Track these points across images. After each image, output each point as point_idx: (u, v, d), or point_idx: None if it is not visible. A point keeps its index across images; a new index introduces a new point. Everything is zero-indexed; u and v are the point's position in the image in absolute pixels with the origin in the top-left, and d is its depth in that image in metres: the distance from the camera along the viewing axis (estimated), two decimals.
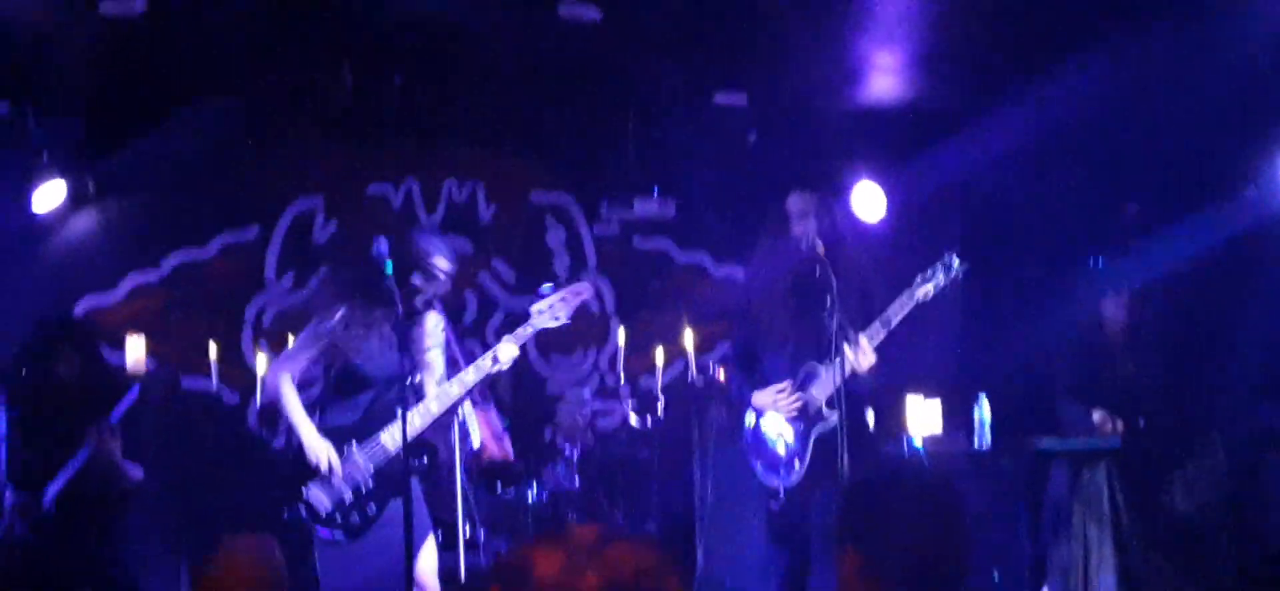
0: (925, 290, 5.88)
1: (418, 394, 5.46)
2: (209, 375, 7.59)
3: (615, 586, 3.09)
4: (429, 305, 5.60)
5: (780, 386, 5.91)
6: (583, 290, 5.65)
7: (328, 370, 5.55)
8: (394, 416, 5.31)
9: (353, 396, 5.48)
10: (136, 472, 6.32)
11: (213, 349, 7.77)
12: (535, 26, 7.41)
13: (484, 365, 5.45)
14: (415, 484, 5.44)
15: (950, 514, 3.09)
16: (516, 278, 8.86)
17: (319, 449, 5.36)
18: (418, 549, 5.38)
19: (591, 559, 3.09)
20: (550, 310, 5.55)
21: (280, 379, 5.49)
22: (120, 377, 7.01)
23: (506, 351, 5.47)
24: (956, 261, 5.88)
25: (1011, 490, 6.97)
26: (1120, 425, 6.61)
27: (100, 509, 6.11)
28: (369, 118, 8.39)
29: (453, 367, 5.67)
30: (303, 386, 5.56)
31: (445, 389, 5.46)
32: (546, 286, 5.63)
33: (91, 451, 6.11)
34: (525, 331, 5.54)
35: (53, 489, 6.07)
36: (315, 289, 8.40)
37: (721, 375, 7.44)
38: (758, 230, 6.48)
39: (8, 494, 6.13)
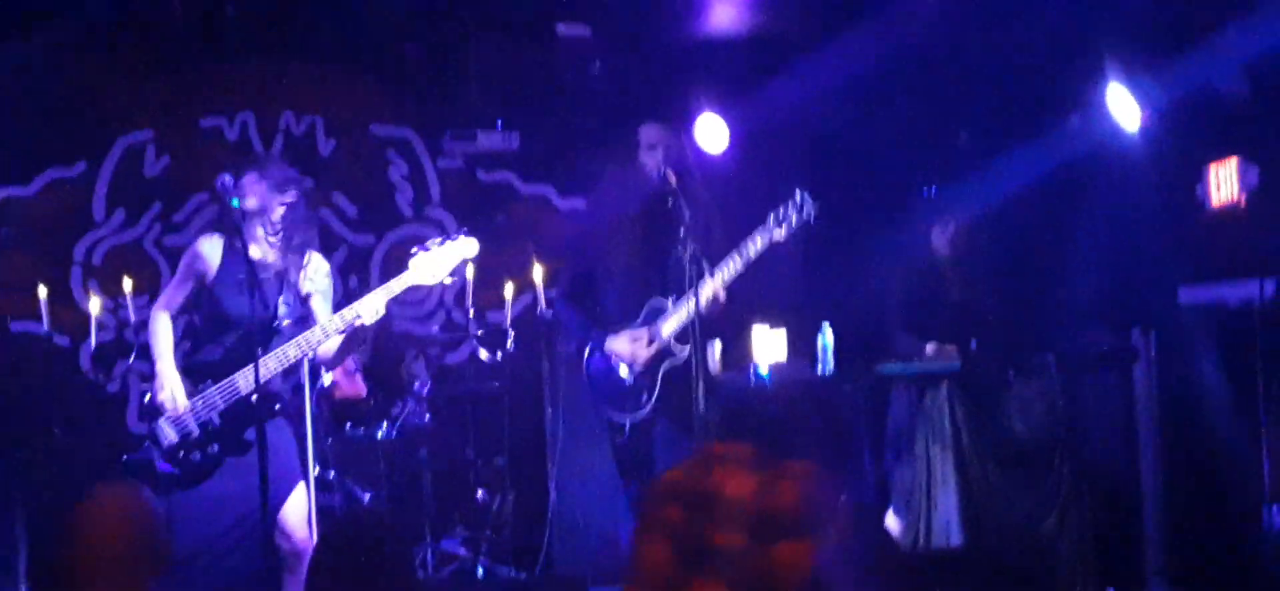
0: (779, 232, 5.98)
1: (277, 337, 5.37)
2: (39, 318, 7.30)
3: (809, 502, 3.06)
4: (304, 247, 5.49)
5: (636, 334, 5.95)
6: (469, 248, 5.56)
7: (198, 306, 5.46)
8: (251, 359, 5.21)
9: (218, 335, 5.38)
10: None
11: (42, 290, 7.46)
12: None
13: (347, 316, 5.37)
14: (284, 429, 5.38)
15: (804, 440, 3.15)
16: (358, 212, 8.70)
17: (166, 382, 5.31)
18: (286, 495, 5.32)
19: (780, 479, 3.05)
20: (428, 264, 5.44)
21: (154, 314, 5.45)
22: None
23: (372, 305, 5.38)
24: (809, 200, 5.99)
25: (854, 414, 7.16)
26: (954, 352, 6.84)
27: None
28: (202, 48, 8.12)
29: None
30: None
31: (305, 336, 5.37)
32: (434, 242, 5.52)
33: None
34: (398, 284, 5.45)
35: None
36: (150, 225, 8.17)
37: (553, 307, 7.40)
38: (601, 162, 6.49)
39: None
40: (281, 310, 5.43)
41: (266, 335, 5.27)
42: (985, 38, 7.55)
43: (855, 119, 8.25)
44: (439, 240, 5.56)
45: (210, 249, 5.45)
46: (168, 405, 5.31)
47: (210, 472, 5.37)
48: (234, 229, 5.23)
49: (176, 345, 5.58)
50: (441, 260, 5.50)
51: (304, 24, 8.18)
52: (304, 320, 5.52)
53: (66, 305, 7.92)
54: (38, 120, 8.08)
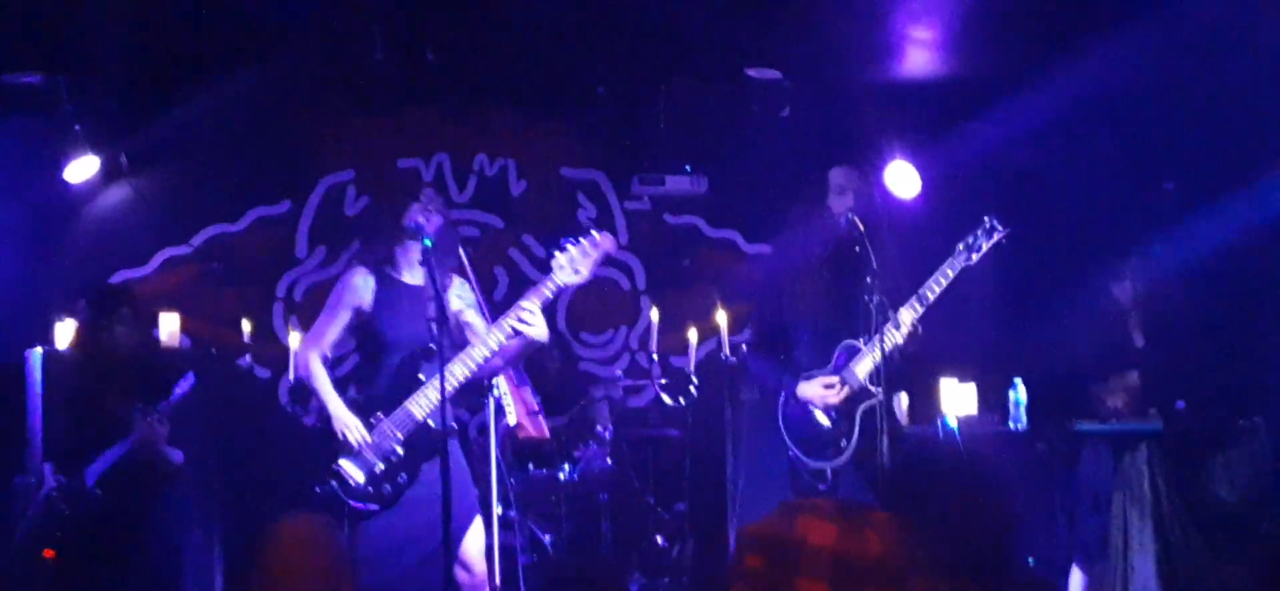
0: (970, 257, 5.83)
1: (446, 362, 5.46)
2: (242, 351, 7.58)
3: (891, 554, 3.06)
4: (452, 270, 5.60)
5: (828, 381, 5.86)
6: (605, 241, 5.58)
7: (356, 339, 5.57)
8: (419, 383, 5.30)
9: (380, 365, 5.48)
10: (177, 457, 6.27)
11: (246, 324, 7.77)
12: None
13: (507, 328, 5.42)
14: (461, 458, 5.46)
15: (996, 496, 3.06)
16: (547, 254, 8.78)
17: (346, 422, 5.39)
18: (465, 527, 5.38)
19: (862, 527, 3.05)
20: (570, 264, 5.49)
21: (309, 357, 5.52)
22: (171, 359, 6.99)
23: (530, 315, 5.42)
24: (999, 225, 5.82)
25: (1047, 473, 6.90)
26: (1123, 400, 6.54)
27: (143, 488, 6.06)
28: (401, 91, 8.38)
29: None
30: (337, 360, 5.58)
31: (468, 353, 5.43)
32: (564, 240, 5.57)
33: (139, 436, 6.01)
34: (548, 288, 5.49)
35: (95, 469, 6.01)
36: (346, 262, 8.40)
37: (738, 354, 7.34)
38: (789, 207, 6.43)
39: (47, 471, 6.07)
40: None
41: (431, 358, 5.32)
42: (1193, 83, 7.23)
43: (1053, 163, 8.01)
44: (576, 240, 5.57)
45: (363, 281, 5.55)
46: (350, 438, 5.38)
47: (401, 499, 5.44)
48: (427, 264, 5.30)
49: (338, 384, 5.64)
50: (578, 258, 5.51)
51: (499, 69, 8.36)
52: (460, 342, 5.60)
53: (268, 339, 8.24)
54: (246, 160, 8.47)
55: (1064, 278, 7.55)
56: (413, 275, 5.56)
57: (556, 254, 5.56)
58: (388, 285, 5.53)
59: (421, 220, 5.44)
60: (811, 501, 2.98)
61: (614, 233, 8.76)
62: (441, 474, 5.07)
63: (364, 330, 5.56)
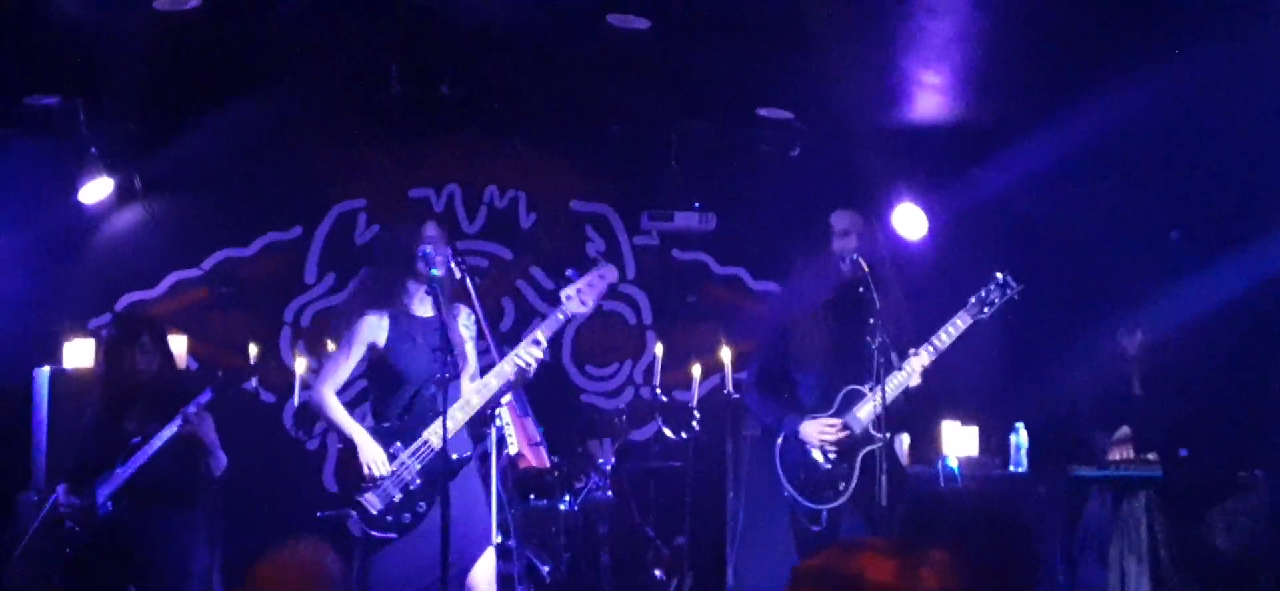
0: (983, 311, 5.85)
1: (455, 390, 5.52)
2: (249, 374, 7.62)
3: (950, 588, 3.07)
4: (457, 300, 5.66)
5: (830, 421, 5.88)
6: (607, 273, 5.67)
7: (370, 373, 5.63)
8: (434, 414, 5.35)
9: (394, 397, 5.55)
10: (221, 460, 6.30)
11: (253, 348, 7.82)
12: (583, 35, 7.42)
13: (518, 359, 5.49)
14: (479, 486, 5.52)
15: (1022, 536, 3.07)
16: (555, 286, 8.83)
17: (374, 456, 5.46)
18: (478, 554, 5.46)
19: (920, 565, 3.06)
20: (578, 295, 5.57)
21: (326, 394, 5.61)
22: (188, 378, 7.04)
23: (536, 347, 5.49)
24: (1012, 281, 5.85)
25: (1047, 516, 6.91)
26: (1131, 451, 6.55)
27: (154, 508, 6.09)
28: (414, 122, 8.44)
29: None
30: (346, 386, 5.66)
31: (484, 382, 5.52)
32: (572, 271, 5.66)
33: (181, 427, 6.06)
34: (556, 319, 5.57)
35: (106, 489, 6.05)
36: (353, 292, 8.44)
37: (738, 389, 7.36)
38: (797, 246, 6.45)
39: (60, 491, 6.11)
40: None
41: (444, 387, 5.38)
42: (1200, 132, 7.24)
43: (1058, 210, 8.02)
44: (584, 272, 5.65)
45: (377, 320, 5.63)
46: (376, 469, 5.45)
47: (414, 528, 5.49)
48: (434, 296, 5.39)
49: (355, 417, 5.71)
50: (584, 290, 5.58)
51: (511, 103, 8.43)
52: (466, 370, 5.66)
53: (274, 363, 8.28)
54: (259, 186, 8.55)
55: (1067, 324, 7.57)
56: (423, 307, 5.65)
57: (565, 286, 5.63)
58: (401, 322, 5.62)
59: (430, 252, 5.51)
60: (871, 540, 2.98)
61: (621, 267, 8.89)
62: (442, 503, 5.15)
63: (379, 365, 5.63)
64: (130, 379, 6.15)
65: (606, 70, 7.92)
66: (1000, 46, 7.05)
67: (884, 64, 7.38)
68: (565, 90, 8.35)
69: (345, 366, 5.66)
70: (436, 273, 5.43)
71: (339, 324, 5.79)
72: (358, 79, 8.18)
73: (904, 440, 7.21)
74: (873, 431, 5.81)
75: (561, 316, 5.62)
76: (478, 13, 7.16)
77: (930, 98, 7.89)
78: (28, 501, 6.95)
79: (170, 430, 6.02)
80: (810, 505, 5.89)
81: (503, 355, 5.57)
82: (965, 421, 7.48)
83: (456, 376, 5.53)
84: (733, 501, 7.54)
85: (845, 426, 5.85)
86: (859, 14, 6.57)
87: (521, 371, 5.55)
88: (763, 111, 8.43)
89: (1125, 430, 6.64)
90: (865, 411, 5.84)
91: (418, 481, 5.48)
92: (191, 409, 6.04)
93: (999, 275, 5.93)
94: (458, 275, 5.53)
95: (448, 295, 5.53)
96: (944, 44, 7.00)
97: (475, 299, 5.61)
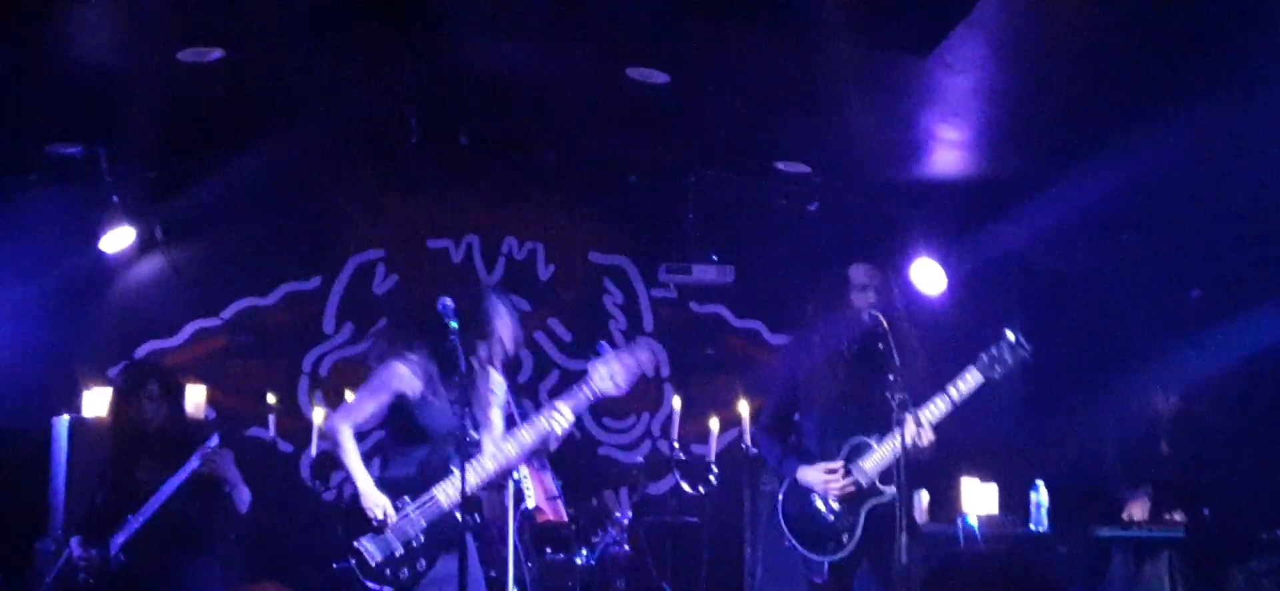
0: (994, 371, 5.75)
1: (474, 450, 5.44)
2: (266, 424, 7.63)
3: None
4: (490, 363, 5.60)
5: (832, 466, 5.81)
6: (645, 361, 5.61)
7: (388, 422, 5.57)
8: (448, 472, 5.30)
9: (411, 450, 5.48)
10: (245, 496, 6.28)
11: (271, 397, 7.83)
12: (603, 88, 7.45)
13: (541, 427, 5.45)
14: (470, 543, 5.42)
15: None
16: (573, 338, 8.86)
17: (376, 501, 5.35)
18: None
19: None
20: (610, 376, 5.52)
21: (342, 427, 5.49)
22: (195, 427, 7.04)
23: (562, 418, 5.45)
24: (1023, 341, 5.76)
25: (1069, 577, 6.84)
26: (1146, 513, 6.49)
27: (169, 555, 6.07)
28: (434, 172, 8.48)
29: (510, 426, 5.66)
30: (361, 435, 5.57)
31: (502, 447, 5.45)
32: (603, 345, 5.60)
33: (202, 463, 6.05)
34: (584, 396, 5.52)
35: (120, 538, 6.04)
36: (372, 341, 8.43)
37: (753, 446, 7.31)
38: (814, 299, 6.42)
39: (74, 544, 6.10)
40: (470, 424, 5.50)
41: (465, 447, 5.32)
42: (1221, 190, 7.21)
43: (1078, 266, 8.00)
44: (606, 345, 5.60)
45: (407, 369, 5.54)
46: (376, 513, 5.34)
47: (416, 586, 5.42)
48: (451, 350, 5.32)
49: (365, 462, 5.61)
50: (618, 372, 5.53)
51: (530, 154, 8.46)
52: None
53: (293, 413, 8.29)
54: (279, 236, 8.57)
55: (1087, 380, 7.52)
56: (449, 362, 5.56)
57: (596, 362, 5.56)
58: (433, 381, 5.50)
59: (450, 304, 5.42)
60: None
61: (639, 318, 8.88)
62: (459, 561, 5.08)
63: (401, 415, 5.57)
64: (138, 428, 6.16)
65: (626, 123, 7.95)
66: (1019, 102, 7.05)
67: (902, 119, 7.39)
68: (585, 142, 8.39)
69: (369, 408, 5.52)
70: (455, 324, 5.36)
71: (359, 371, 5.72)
72: (377, 129, 8.23)
73: (923, 497, 7.16)
74: (880, 484, 5.75)
75: (587, 393, 5.53)
76: (497, 63, 7.20)
77: (949, 153, 7.89)
78: (45, 550, 6.94)
79: (185, 473, 6.01)
80: (812, 556, 5.81)
81: (520, 412, 5.52)
82: (984, 478, 7.42)
83: (478, 434, 5.48)
84: (750, 557, 7.49)
85: (849, 474, 5.79)
86: (877, 70, 6.58)
87: (543, 441, 5.50)
88: (781, 165, 8.45)
89: (1142, 492, 6.58)
90: (871, 463, 5.77)
91: (421, 538, 5.38)
92: (210, 445, 6.03)
93: (1009, 334, 5.80)
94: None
95: (485, 354, 5.50)
96: (962, 99, 7.00)
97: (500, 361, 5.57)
